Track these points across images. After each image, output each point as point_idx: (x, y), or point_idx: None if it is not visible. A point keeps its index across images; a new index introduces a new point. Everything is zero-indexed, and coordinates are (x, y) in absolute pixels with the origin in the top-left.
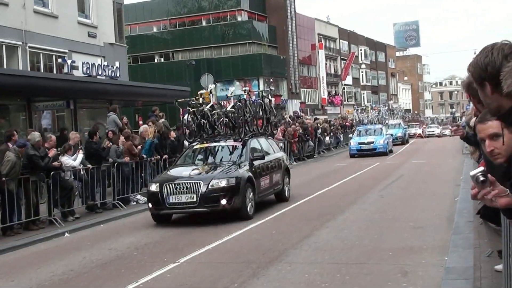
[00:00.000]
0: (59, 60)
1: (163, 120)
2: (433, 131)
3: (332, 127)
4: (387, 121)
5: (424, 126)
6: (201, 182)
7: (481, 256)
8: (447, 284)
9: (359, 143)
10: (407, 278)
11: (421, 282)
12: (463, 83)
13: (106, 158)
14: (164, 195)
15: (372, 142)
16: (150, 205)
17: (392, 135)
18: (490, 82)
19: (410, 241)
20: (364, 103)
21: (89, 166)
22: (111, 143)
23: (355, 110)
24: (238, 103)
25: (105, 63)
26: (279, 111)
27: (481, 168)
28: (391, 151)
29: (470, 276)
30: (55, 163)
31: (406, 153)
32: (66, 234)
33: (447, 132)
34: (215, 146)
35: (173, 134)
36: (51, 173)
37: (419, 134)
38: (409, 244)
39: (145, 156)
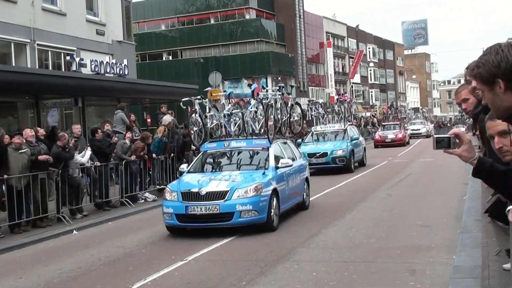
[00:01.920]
0: (68, 57)
1: (171, 118)
2: (418, 130)
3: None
4: (313, 128)
5: (405, 126)
6: None
7: (489, 255)
8: (455, 283)
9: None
10: (414, 277)
11: (429, 281)
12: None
13: (111, 154)
14: None
15: (223, 195)
16: None
17: (329, 153)
18: (504, 79)
19: (418, 240)
20: (372, 101)
21: (97, 163)
22: (117, 139)
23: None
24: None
25: (113, 61)
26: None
27: None
28: (302, 206)
29: (478, 275)
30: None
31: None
32: (74, 232)
33: (429, 129)
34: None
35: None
36: (60, 170)
37: (400, 138)
38: (417, 243)
39: (154, 154)
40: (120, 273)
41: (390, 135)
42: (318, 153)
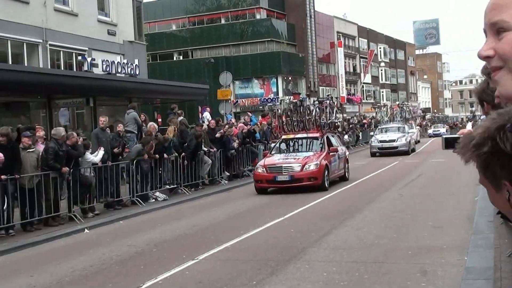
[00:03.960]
0: (79, 57)
1: (181, 117)
2: (392, 142)
3: (350, 125)
4: None
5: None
6: None
7: (501, 256)
8: (467, 284)
9: None
10: (426, 278)
11: (441, 282)
12: (474, 91)
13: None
14: None
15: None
16: None
17: None
18: None
19: (429, 241)
20: (383, 101)
21: (109, 163)
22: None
23: None
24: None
25: (125, 61)
26: None
27: None
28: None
29: (490, 276)
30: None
31: None
32: (86, 230)
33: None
34: None
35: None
36: (71, 169)
37: (312, 171)
38: (428, 244)
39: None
40: (131, 272)
41: (294, 165)
42: None
